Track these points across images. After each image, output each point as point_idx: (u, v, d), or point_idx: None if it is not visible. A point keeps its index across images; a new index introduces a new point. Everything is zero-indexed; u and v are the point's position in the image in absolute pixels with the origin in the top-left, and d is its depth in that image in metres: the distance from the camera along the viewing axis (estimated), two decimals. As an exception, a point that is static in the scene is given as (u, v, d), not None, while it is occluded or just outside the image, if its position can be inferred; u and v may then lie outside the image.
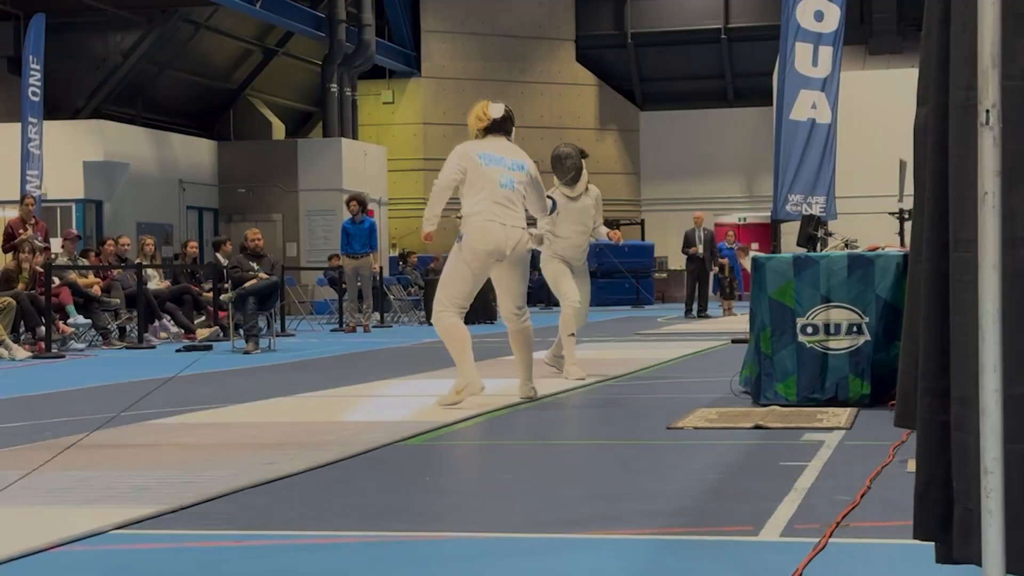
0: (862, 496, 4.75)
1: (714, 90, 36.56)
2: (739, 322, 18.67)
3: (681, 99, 36.43)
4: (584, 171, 10.48)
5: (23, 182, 20.92)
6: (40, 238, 16.93)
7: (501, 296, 8.61)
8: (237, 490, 5.14)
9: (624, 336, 17.45)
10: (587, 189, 10.56)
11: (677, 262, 35.75)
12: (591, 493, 5.08)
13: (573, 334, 10.41)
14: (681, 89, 36.45)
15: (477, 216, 8.27)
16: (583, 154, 10.51)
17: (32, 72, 21.35)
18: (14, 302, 14.76)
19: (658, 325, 21.01)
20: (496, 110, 8.60)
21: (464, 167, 8.34)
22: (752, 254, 24.12)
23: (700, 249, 23.22)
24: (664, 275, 34.88)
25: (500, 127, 8.55)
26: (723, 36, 35.31)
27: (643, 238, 34.88)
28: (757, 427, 6.92)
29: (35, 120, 21.30)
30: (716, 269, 23.57)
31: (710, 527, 4.33)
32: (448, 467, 6.17)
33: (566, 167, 10.36)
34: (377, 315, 21.95)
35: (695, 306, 23.45)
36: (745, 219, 35.66)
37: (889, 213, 20.65)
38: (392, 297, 23.49)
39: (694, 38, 35.55)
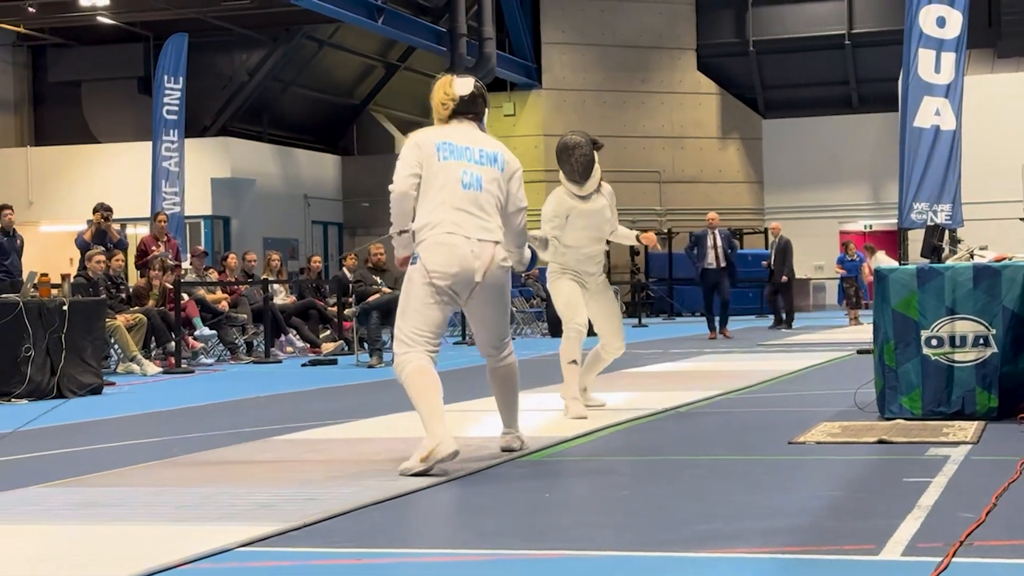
0: (988, 513, 4.66)
1: (838, 97, 36.13)
2: (865, 332, 18.42)
3: (804, 106, 36.06)
4: (596, 165, 8.68)
5: (155, 199, 21.40)
6: (171, 256, 17.30)
7: (477, 331, 6.71)
8: (359, 507, 5.20)
9: (747, 347, 17.31)
10: (599, 187, 8.80)
11: (803, 271, 35.42)
12: (709, 510, 5.05)
13: (575, 361, 8.64)
14: (804, 96, 36.08)
15: (432, 230, 6.36)
16: (596, 144, 8.72)
17: (168, 91, 21.82)
18: (145, 318, 15.10)
19: (782, 335, 20.80)
20: (463, 87, 6.67)
21: (420, 161, 6.45)
22: (878, 254, 23.77)
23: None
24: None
25: (469, 108, 6.66)
26: (847, 42, 34.89)
27: (767, 247, 34.56)
28: (881, 442, 6.83)
29: (172, 138, 21.74)
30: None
31: (830, 545, 4.29)
32: (566, 483, 6.17)
33: (574, 159, 8.50)
34: (500, 327, 22.01)
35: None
36: (871, 227, 35.23)
37: (1020, 219, 20.29)
38: (514, 309, 23.57)
39: (817, 44, 35.17)
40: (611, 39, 35.17)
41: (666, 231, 33.69)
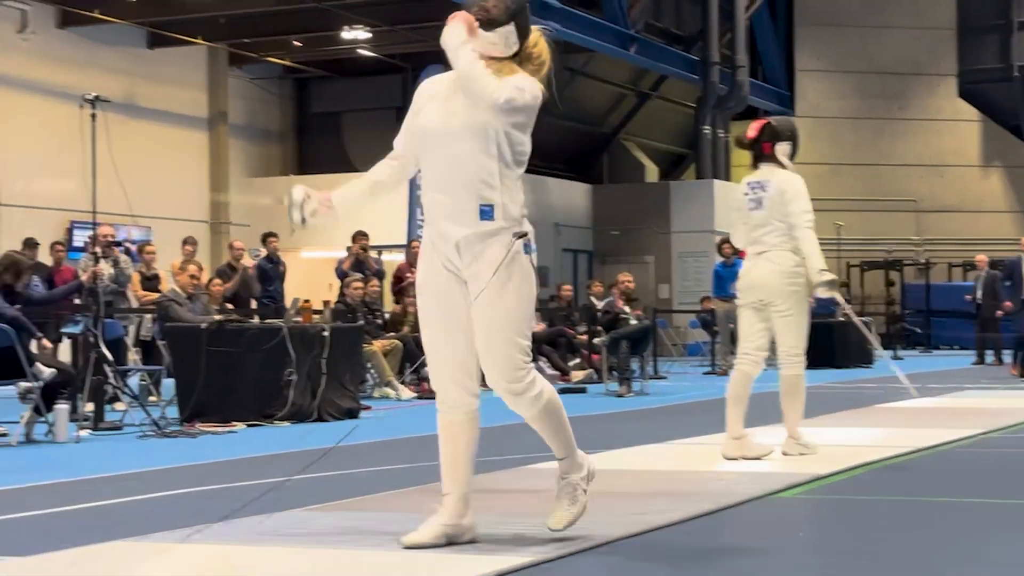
0: None
1: (1110, 122, 34.62)
2: None
3: (1073, 133, 34.67)
4: None
5: (410, 227, 21.93)
6: (425, 282, 17.67)
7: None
8: (608, 541, 5.23)
9: (1012, 383, 16.69)
10: None
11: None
12: (967, 556, 4.91)
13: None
14: (1073, 122, 34.70)
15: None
16: None
17: (422, 120, 22.38)
18: (400, 344, 15.48)
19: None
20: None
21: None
22: None
23: (975, 295, 22.23)
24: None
25: None
26: (1119, 65, 33.44)
27: (1030, 279, 33.29)
28: None
29: (426, 167, 22.27)
30: (1001, 313, 21.71)
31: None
32: (821, 522, 6.08)
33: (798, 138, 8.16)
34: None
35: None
36: None
37: None
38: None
39: (1087, 68, 33.81)
40: (867, 66, 34.50)
41: (923, 261, 32.80)
